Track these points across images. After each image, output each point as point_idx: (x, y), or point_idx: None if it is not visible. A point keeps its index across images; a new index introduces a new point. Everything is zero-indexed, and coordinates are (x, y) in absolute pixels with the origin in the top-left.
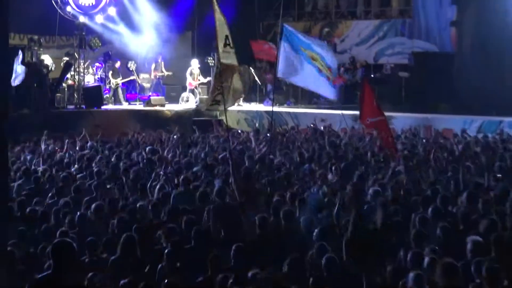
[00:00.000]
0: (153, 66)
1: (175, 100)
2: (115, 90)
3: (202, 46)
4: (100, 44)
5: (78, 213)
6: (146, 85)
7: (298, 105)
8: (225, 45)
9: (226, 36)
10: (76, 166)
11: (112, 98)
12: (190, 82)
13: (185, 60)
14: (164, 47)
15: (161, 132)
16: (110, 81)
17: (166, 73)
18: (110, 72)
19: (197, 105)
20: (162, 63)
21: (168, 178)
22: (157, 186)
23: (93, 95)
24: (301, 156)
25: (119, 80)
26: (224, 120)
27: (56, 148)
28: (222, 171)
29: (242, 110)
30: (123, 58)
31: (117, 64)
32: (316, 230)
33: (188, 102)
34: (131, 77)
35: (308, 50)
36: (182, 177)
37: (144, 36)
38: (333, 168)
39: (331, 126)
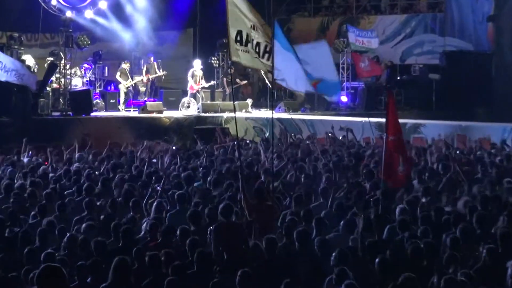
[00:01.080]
0: (144, 68)
1: (175, 106)
2: (126, 93)
3: (205, 44)
4: (89, 43)
5: (68, 234)
6: (141, 88)
7: (314, 111)
8: (236, 41)
9: (239, 32)
10: (62, 181)
11: (122, 103)
12: (192, 85)
13: (186, 60)
14: (162, 46)
15: (159, 142)
16: (119, 83)
17: (159, 73)
18: (118, 74)
19: (199, 112)
20: (155, 63)
21: (166, 194)
22: (154, 204)
23: (82, 101)
24: (317, 169)
25: (129, 83)
26: (230, 129)
27: (40, 160)
28: (228, 186)
29: (250, 117)
30: (116, 58)
31: (126, 65)
32: (334, 253)
33: (189, 109)
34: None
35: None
36: (179, 193)
37: (139, 33)
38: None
39: (352, 134)
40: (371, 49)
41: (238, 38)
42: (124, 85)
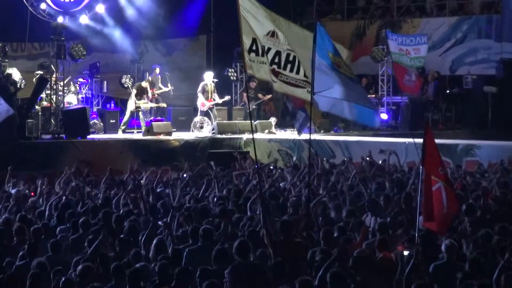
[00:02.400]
0: (148, 81)
1: (185, 126)
2: (137, 113)
3: (220, 54)
4: (85, 53)
5: (63, 278)
6: (145, 105)
7: (349, 131)
8: (251, 51)
9: (254, 40)
10: (54, 215)
11: (124, 122)
12: (203, 102)
13: (198, 72)
14: (170, 56)
15: (167, 170)
16: (132, 102)
17: (166, 88)
18: (134, 92)
19: (213, 133)
20: (159, 77)
21: (169, 229)
22: (154, 241)
23: (76, 121)
24: (353, 200)
25: (142, 103)
26: (251, 153)
27: (27, 191)
28: (248, 220)
29: (274, 139)
30: (116, 71)
31: (146, 84)
32: None
33: (202, 130)
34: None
35: (331, 54)
36: (191, 228)
37: (143, 42)
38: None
39: (396, 157)
40: (420, 57)
41: (254, 48)
42: (140, 103)
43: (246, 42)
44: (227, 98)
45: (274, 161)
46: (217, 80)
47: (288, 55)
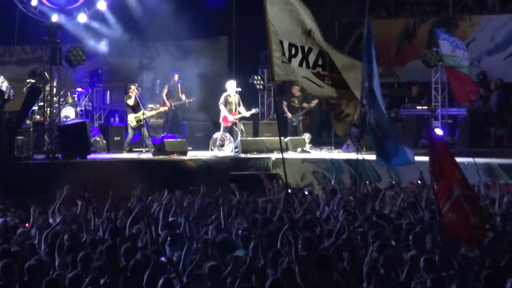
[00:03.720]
0: (165, 91)
1: (203, 144)
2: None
3: (245, 58)
4: (85, 58)
5: None
6: (157, 121)
7: None
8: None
9: (281, 43)
10: (49, 249)
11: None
12: (225, 116)
13: (218, 80)
14: (185, 61)
15: (181, 195)
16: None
17: (186, 100)
18: (129, 104)
19: (237, 152)
20: (179, 86)
21: (175, 267)
22: (160, 282)
23: (75, 138)
24: (401, 229)
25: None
26: (281, 175)
27: (17, 221)
28: (276, 255)
29: (309, 158)
30: (120, 78)
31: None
32: None
33: (223, 148)
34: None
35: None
36: (211, 265)
37: (153, 44)
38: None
39: None
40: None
41: (286, 48)
42: (138, 115)
43: (275, 42)
44: (254, 110)
45: (309, 185)
46: (240, 89)
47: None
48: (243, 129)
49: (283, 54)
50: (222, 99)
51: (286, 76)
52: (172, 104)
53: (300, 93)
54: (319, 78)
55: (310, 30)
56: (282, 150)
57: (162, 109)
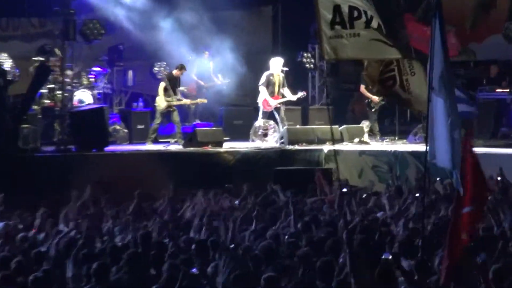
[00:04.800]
0: (194, 70)
1: (243, 134)
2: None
3: (292, 31)
4: (103, 32)
5: None
6: (187, 105)
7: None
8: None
9: (337, 8)
10: (60, 258)
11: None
12: (266, 98)
13: (261, 58)
14: (221, 35)
15: (217, 196)
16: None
17: (221, 80)
18: (163, 85)
19: (282, 144)
20: (212, 63)
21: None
22: None
23: (90, 127)
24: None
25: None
26: (335, 169)
27: (21, 226)
28: (327, 266)
29: (368, 150)
30: (145, 56)
31: (177, 75)
32: None
33: (266, 138)
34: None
35: None
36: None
37: (183, 16)
38: None
39: None
40: None
41: (338, 19)
42: (172, 100)
43: (325, 12)
44: (301, 94)
45: (369, 184)
46: (287, 69)
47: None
48: (284, 116)
49: (341, 21)
50: (263, 79)
51: (339, 55)
52: (205, 85)
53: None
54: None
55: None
56: (333, 139)
57: (200, 100)
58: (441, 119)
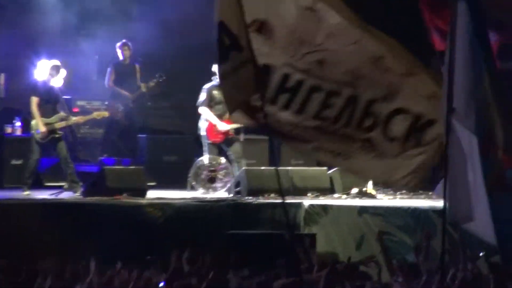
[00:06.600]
0: (112, 76)
1: (177, 177)
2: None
3: None
4: None
5: None
6: (91, 131)
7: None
8: None
9: None
10: None
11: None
12: (212, 124)
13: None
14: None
15: (131, 273)
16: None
17: (144, 85)
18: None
19: (237, 193)
20: (137, 67)
21: None
22: None
23: None
24: None
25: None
26: (319, 237)
27: None
28: None
29: (372, 207)
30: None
31: None
32: None
33: (213, 185)
34: None
35: None
36: None
37: None
38: None
39: None
40: None
41: None
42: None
43: None
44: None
45: (370, 260)
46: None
47: None
48: (241, 151)
49: None
50: (203, 96)
51: None
52: (131, 98)
53: None
54: None
55: None
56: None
57: (97, 114)
58: (472, 161)
